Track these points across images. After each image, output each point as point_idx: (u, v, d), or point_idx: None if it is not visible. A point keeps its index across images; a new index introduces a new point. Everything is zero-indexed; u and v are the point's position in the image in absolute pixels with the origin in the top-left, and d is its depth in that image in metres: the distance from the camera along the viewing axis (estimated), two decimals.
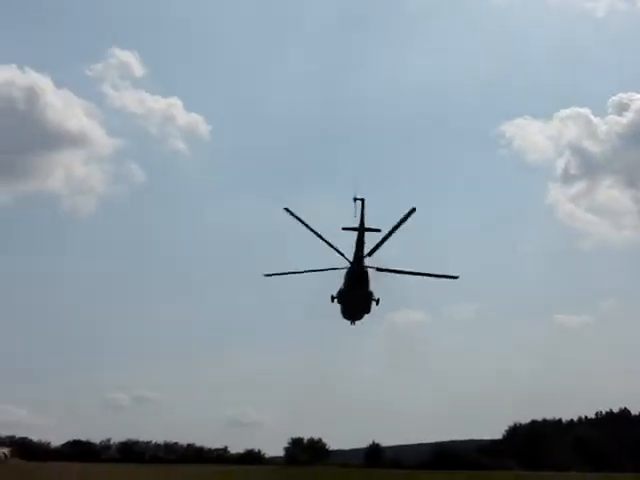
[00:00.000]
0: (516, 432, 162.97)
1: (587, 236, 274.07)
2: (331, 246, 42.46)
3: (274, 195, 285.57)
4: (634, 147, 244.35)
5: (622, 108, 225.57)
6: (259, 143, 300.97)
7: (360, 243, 41.00)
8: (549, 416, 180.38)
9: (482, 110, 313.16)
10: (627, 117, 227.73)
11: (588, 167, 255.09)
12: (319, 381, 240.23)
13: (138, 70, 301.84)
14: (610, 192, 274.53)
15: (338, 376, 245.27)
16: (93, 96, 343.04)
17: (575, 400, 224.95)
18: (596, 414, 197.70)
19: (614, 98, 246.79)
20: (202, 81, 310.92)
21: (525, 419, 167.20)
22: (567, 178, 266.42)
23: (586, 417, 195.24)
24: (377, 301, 44.68)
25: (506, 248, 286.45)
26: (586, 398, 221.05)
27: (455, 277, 47.99)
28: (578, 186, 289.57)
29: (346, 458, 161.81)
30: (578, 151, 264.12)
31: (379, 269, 43.43)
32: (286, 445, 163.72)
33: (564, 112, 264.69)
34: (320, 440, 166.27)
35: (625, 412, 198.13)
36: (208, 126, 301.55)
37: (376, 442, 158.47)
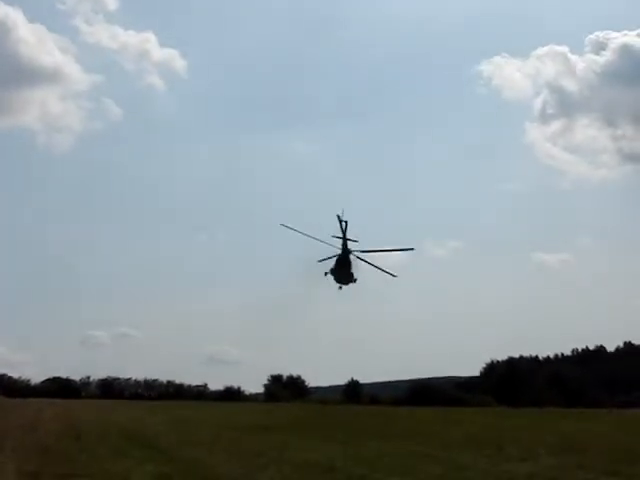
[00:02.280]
0: (493, 369, 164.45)
1: (565, 175, 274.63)
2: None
3: (252, 131, 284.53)
4: (612, 86, 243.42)
5: (599, 47, 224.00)
6: (237, 78, 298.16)
7: (344, 246, 59.16)
8: (526, 353, 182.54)
9: (460, 48, 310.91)
10: (605, 56, 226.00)
11: (566, 106, 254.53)
12: (299, 319, 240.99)
13: (111, 3, 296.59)
14: (587, 131, 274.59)
15: (318, 314, 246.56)
16: (66, 30, 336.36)
17: (552, 337, 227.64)
18: (572, 351, 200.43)
19: (591, 36, 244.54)
20: (176, 15, 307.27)
21: (502, 356, 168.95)
22: (545, 117, 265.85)
23: (562, 354, 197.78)
24: (355, 280, 61.20)
25: (485, 186, 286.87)
26: (563, 335, 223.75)
27: (411, 249, 71.03)
28: (556, 125, 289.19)
29: (325, 395, 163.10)
30: (556, 89, 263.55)
31: (362, 251, 60.92)
32: (265, 382, 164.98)
33: (542, 50, 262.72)
34: (299, 377, 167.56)
35: (601, 349, 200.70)
36: (184, 61, 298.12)
37: (355, 379, 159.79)
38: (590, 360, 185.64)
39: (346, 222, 58.73)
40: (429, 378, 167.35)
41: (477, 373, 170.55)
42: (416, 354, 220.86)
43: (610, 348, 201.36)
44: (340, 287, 61.16)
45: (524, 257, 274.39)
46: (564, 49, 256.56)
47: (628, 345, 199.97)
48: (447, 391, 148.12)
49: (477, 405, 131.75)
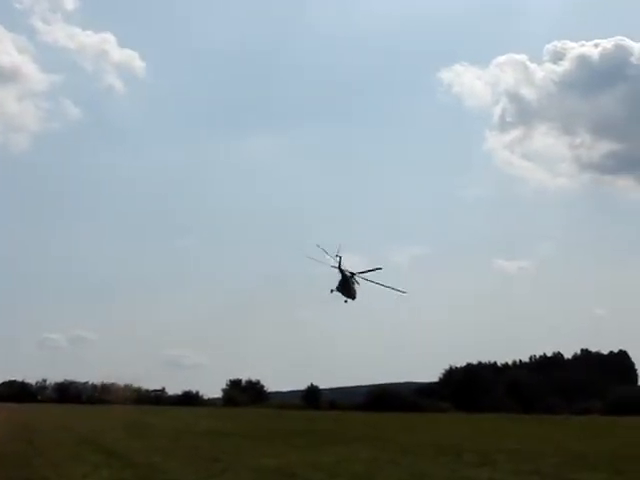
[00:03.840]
0: (452, 375, 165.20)
1: (523, 182, 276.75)
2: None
3: (213, 132, 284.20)
4: (569, 95, 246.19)
5: (557, 56, 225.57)
6: (196, 79, 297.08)
7: (342, 274, 66.31)
8: (484, 359, 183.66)
9: (420, 55, 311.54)
10: (563, 66, 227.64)
11: (524, 114, 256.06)
12: (259, 324, 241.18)
13: (69, 3, 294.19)
14: (546, 139, 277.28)
15: (278, 319, 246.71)
16: (23, 30, 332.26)
17: (510, 344, 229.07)
18: (530, 358, 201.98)
19: (549, 46, 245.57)
20: (136, 15, 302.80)
21: (461, 362, 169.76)
22: (504, 125, 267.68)
23: (520, 361, 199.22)
24: (354, 298, 68.32)
25: (445, 193, 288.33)
26: (521, 342, 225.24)
27: (403, 292, 70.15)
28: (514, 133, 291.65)
29: (284, 400, 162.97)
30: (515, 98, 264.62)
31: (361, 272, 67.76)
32: (224, 387, 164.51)
33: (501, 58, 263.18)
34: (258, 382, 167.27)
35: (558, 356, 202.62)
36: (143, 62, 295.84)
37: (314, 384, 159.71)
38: (548, 367, 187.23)
39: (340, 257, 67.13)
40: (388, 384, 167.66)
41: (436, 379, 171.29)
42: (375, 359, 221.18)
43: (567, 355, 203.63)
44: (345, 301, 69.42)
45: (484, 264, 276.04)
46: (523, 58, 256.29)
47: (585, 352, 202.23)
48: (406, 397, 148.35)
49: (436, 411, 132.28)
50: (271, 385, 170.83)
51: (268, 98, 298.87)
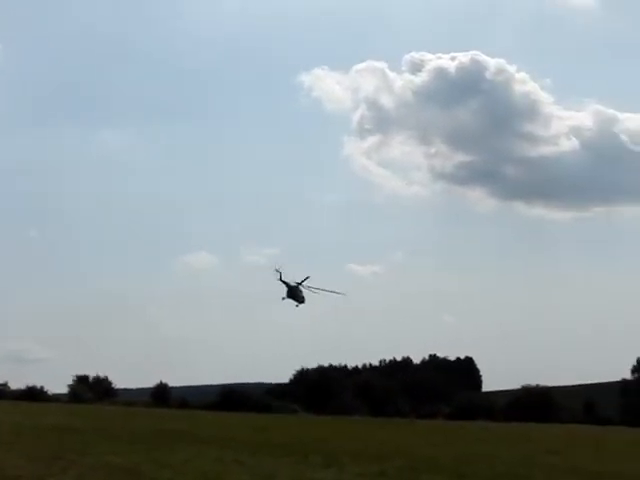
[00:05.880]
0: (303, 376, 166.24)
1: (379, 189, 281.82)
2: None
3: (66, 122, 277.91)
4: (426, 105, 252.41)
5: (415, 67, 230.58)
6: (54, 67, 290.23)
7: (287, 285, 74.51)
8: (335, 362, 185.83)
9: (281, 58, 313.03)
10: (420, 76, 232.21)
11: (383, 122, 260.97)
12: (108, 318, 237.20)
13: None
14: (402, 148, 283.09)
15: (127, 315, 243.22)
16: None
17: (361, 347, 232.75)
18: (380, 362, 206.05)
19: (407, 56, 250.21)
20: None
21: (312, 364, 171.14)
22: (362, 131, 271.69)
23: (371, 364, 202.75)
24: (303, 302, 76.65)
25: (303, 196, 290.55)
26: (371, 345, 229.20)
27: (343, 294, 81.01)
28: (372, 140, 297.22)
29: (132, 397, 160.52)
30: (373, 105, 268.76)
31: (307, 286, 76.01)
32: (70, 382, 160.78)
33: (361, 65, 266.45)
34: (106, 378, 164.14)
35: (407, 360, 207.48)
36: None
37: (164, 382, 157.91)
38: (397, 371, 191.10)
39: (281, 272, 74.98)
40: (239, 383, 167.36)
41: (287, 380, 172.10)
42: (226, 359, 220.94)
43: (416, 360, 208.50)
44: (297, 305, 76.99)
45: (337, 268, 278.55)
46: (383, 66, 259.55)
47: (433, 357, 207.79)
48: (256, 397, 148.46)
49: (286, 412, 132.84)
50: (119, 382, 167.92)
51: (127, 91, 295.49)
